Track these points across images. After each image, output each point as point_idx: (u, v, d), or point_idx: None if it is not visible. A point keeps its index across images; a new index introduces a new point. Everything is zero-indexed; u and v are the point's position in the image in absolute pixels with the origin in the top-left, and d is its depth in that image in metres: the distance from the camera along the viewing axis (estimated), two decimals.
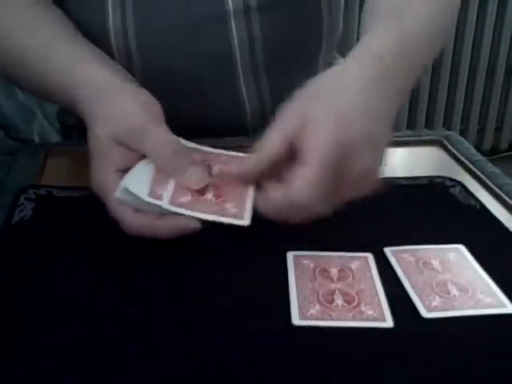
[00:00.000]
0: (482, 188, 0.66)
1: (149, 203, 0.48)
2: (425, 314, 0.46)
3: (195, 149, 0.54)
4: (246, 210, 0.47)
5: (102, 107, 0.54)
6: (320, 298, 0.47)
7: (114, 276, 0.50)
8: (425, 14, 0.60)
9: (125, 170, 0.51)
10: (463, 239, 0.55)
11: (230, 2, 0.68)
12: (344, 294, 0.47)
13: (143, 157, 0.51)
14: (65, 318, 0.44)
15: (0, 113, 1.01)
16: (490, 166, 0.69)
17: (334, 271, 0.50)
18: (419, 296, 0.48)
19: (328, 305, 0.46)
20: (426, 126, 2.45)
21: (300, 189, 0.46)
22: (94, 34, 0.67)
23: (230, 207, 0.47)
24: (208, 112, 0.74)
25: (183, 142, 0.53)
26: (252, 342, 0.43)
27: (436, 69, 2.37)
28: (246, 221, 0.47)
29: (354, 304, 0.46)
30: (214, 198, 0.48)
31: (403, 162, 0.74)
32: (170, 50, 0.70)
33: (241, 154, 0.52)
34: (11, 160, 0.68)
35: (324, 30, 0.75)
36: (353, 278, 0.49)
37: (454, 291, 0.48)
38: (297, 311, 0.45)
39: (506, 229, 0.57)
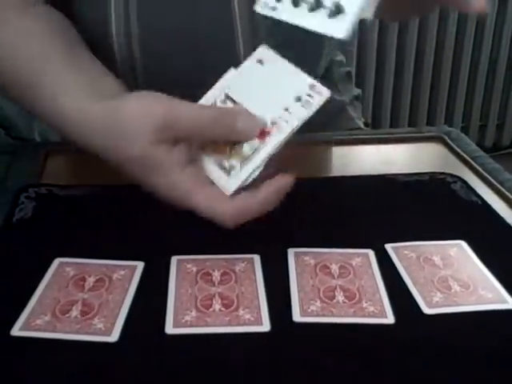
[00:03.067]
0: (483, 184, 0.66)
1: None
2: (426, 310, 0.46)
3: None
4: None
5: (113, 132, 0.49)
6: (321, 294, 0.47)
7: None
8: None
9: (187, 163, 0.49)
10: (464, 235, 0.55)
11: (236, 8, 0.68)
12: (345, 290, 0.47)
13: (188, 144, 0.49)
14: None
15: (0, 112, 1.01)
16: (491, 162, 0.69)
17: (334, 268, 0.50)
18: (420, 292, 0.47)
19: (329, 301, 0.46)
20: (427, 123, 2.44)
21: None
22: (97, 39, 0.66)
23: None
24: None
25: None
26: (252, 338, 0.43)
27: (437, 65, 2.37)
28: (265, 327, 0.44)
29: (355, 300, 0.46)
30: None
31: (404, 158, 0.74)
32: (173, 56, 0.69)
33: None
34: (12, 159, 0.68)
35: None
36: (354, 274, 0.49)
37: (455, 287, 0.48)
38: (298, 308, 0.45)
39: (508, 225, 0.57)
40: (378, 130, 0.82)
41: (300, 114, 0.48)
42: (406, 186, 0.64)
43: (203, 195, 0.47)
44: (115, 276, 0.48)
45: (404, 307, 0.46)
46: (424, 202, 0.61)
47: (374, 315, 0.45)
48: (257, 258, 0.51)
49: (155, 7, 0.67)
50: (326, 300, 0.46)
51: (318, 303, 0.46)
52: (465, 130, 2.47)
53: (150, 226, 0.55)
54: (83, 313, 0.44)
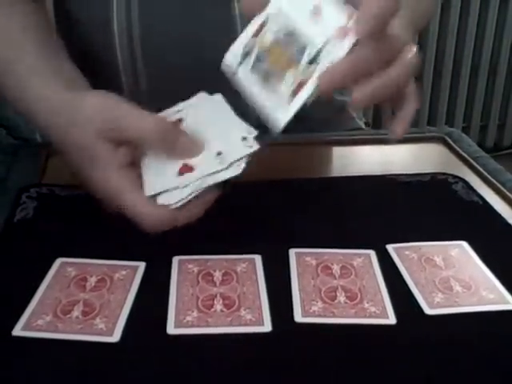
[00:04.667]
0: (484, 184, 0.66)
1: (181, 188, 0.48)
2: (427, 310, 0.46)
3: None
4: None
5: (68, 117, 0.53)
6: (322, 294, 0.47)
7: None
8: None
9: (126, 165, 0.50)
10: (466, 236, 0.55)
11: (237, 8, 0.68)
12: (346, 290, 0.47)
13: (133, 147, 0.51)
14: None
15: (1, 112, 1.01)
16: (492, 163, 0.69)
17: (336, 268, 0.50)
18: (422, 293, 0.47)
19: (330, 302, 0.46)
20: (428, 124, 2.44)
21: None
22: (98, 38, 0.67)
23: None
24: None
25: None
26: (254, 339, 0.43)
27: (438, 66, 2.37)
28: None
29: (357, 301, 0.46)
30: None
31: (406, 158, 0.74)
32: (174, 56, 0.70)
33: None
34: (13, 159, 0.68)
35: None
36: (355, 274, 0.49)
37: (457, 288, 0.48)
38: (299, 308, 0.45)
39: (509, 225, 0.57)
40: (379, 131, 0.82)
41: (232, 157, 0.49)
42: (407, 186, 0.64)
43: (131, 196, 0.49)
44: (117, 276, 0.48)
45: (405, 308, 0.46)
46: (425, 202, 0.61)
47: (375, 316, 0.45)
48: (258, 258, 0.51)
49: (157, 7, 0.68)
50: (328, 300, 0.46)
51: (320, 304, 0.46)
52: (466, 130, 2.47)
53: None
54: (85, 313, 0.44)
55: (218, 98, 0.54)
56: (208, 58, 0.70)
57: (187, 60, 0.70)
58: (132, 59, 0.70)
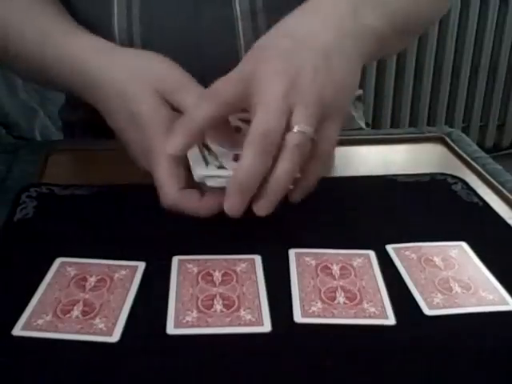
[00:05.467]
0: (484, 185, 0.66)
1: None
2: (427, 311, 0.46)
3: None
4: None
5: (131, 69, 0.55)
6: (322, 295, 0.47)
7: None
8: None
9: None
10: (465, 236, 0.55)
11: (238, 5, 0.68)
12: (346, 291, 0.47)
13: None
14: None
15: (1, 111, 1.01)
16: (492, 163, 0.69)
17: (335, 268, 0.50)
18: (421, 293, 0.47)
19: (330, 302, 0.46)
20: (427, 123, 2.44)
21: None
22: (99, 35, 0.67)
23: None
24: None
25: None
26: (253, 340, 0.43)
27: (438, 66, 2.37)
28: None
29: (356, 301, 0.46)
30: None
31: (405, 159, 0.74)
32: (175, 53, 0.70)
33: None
34: (13, 158, 0.68)
35: None
36: (355, 275, 0.49)
37: (456, 288, 0.48)
38: (299, 308, 0.45)
39: (509, 226, 0.57)
40: (379, 131, 0.82)
41: None
42: (407, 186, 0.64)
43: (163, 167, 0.50)
44: (116, 276, 0.48)
45: (405, 308, 0.46)
46: (424, 202, 0.61)
47: (374, 316, 0.45)
48: (258, 258, 0.51)
49: (157, 6, 0.68)
50: (327, 301, 0.46)
51: (319, 304, 0.46)
52: (465, 130, 2.47)
53: (152, 226, 0.55)
54: (84, 313, 0.44)
55: None
56: (208, 57, 0.70)
57: (187, 60, 0.70)
58: None
